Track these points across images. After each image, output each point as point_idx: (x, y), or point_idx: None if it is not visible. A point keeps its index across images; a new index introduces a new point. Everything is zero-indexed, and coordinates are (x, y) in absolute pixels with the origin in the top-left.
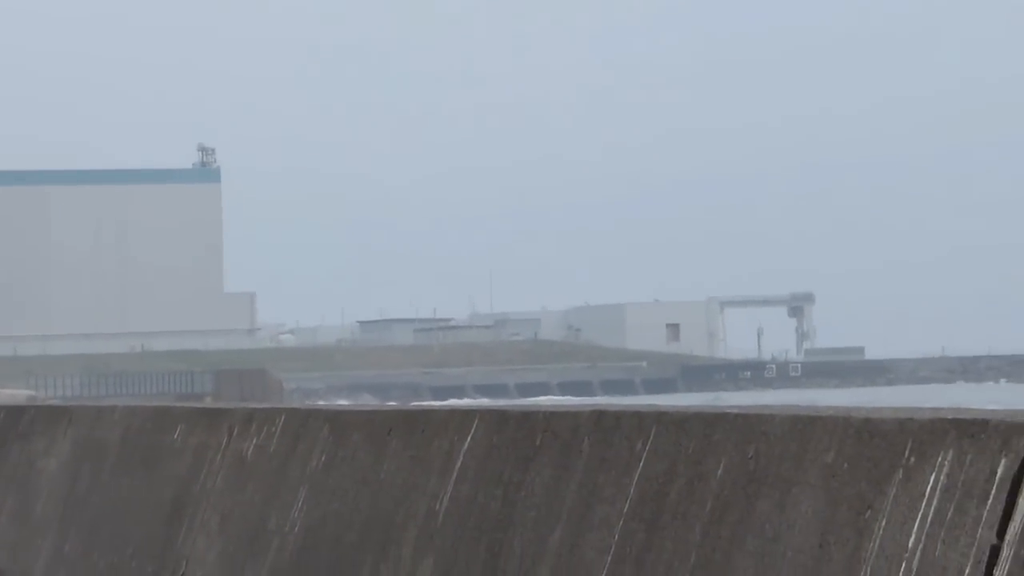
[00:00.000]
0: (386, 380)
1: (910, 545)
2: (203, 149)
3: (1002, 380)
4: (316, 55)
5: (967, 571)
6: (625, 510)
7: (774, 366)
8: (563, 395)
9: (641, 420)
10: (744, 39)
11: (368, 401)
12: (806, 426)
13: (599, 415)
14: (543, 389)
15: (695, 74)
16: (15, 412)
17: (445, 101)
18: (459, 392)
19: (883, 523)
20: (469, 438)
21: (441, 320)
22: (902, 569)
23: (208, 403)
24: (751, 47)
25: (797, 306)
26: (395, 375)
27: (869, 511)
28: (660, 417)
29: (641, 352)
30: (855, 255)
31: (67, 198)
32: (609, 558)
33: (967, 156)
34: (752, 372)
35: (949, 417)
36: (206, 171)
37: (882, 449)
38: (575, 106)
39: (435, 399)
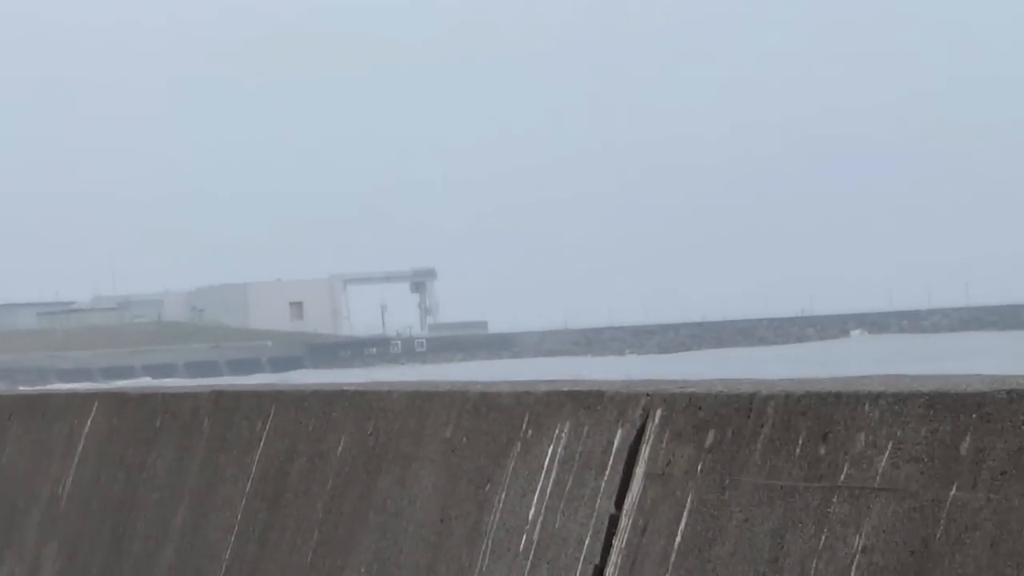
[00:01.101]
0: (11, 365)
1: (530, 517)
2: None
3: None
4: None
5: (587, 541)
6: (247, 489)
7: (399, 342)
8: (190, 376)
9: (260, 400)
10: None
11: None
12: (424, 401)
13: (218, 395)
14: (170, 370)
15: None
16: None
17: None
18: (86, 375)
19: (503, 496)
20: (90, 421)
21: (64, 303)
22: (523, 541)
23: None
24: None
25: (419, 282)
26: (19, 359)
27: (489, 484)
28: (279, 396)
29: (266, 331)
30: (475, 232)
31: None
32: (233, 537)
33: (581, 129)
34: (378, 348)
35: (565, 389)
36: None
37: (500, 423)
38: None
39: (62, 383)
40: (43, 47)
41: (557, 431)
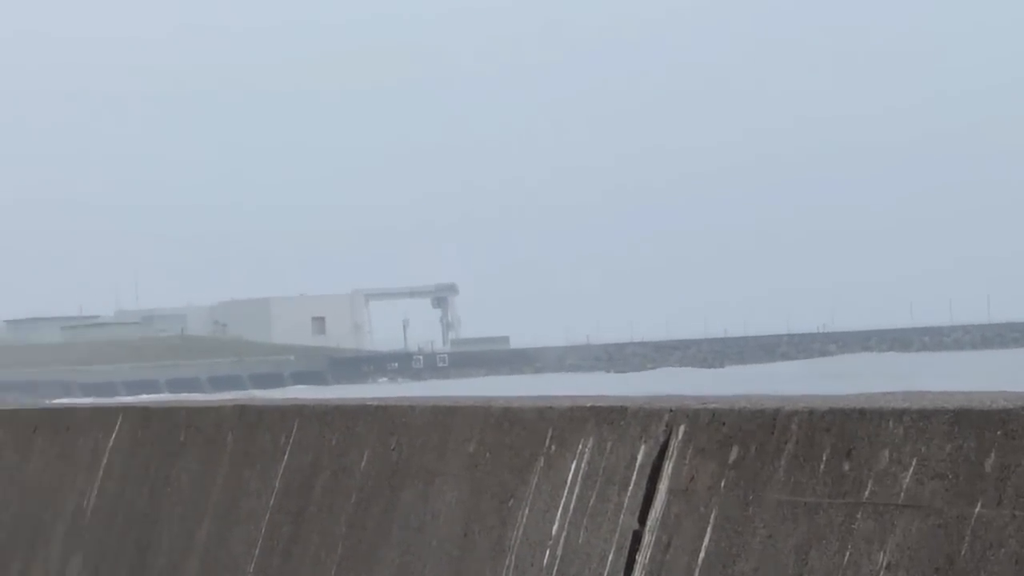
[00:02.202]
0: (35, 378)
1: (553, 532)
2: None
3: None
4: None
5: (610, 557)
6: (271, 503)
7: (421, 357)
8: (214, 390)
9: (283, 414)
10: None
11: (17, 400)
12: (447, 416)
13: (242, 410)
14: (193, 385)
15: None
16: None
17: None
18: (110, 389)
19: (526, 511)
20: (114, 435)
21: (88, 317)
22: (546, 556)
23: None
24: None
25: (441, 297)
26: (44, 373)
27: (512, 499)
28: (302, 410)
29: (288, 346)
30: (499, 247)
31: None
32: (256, 551)
33: (598, 144)
34: (400, 363)
35: (588, 405)
36: None
37: (523, 438)
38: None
39: (86, 397)
40: (67, 59)
41: (580, 446)
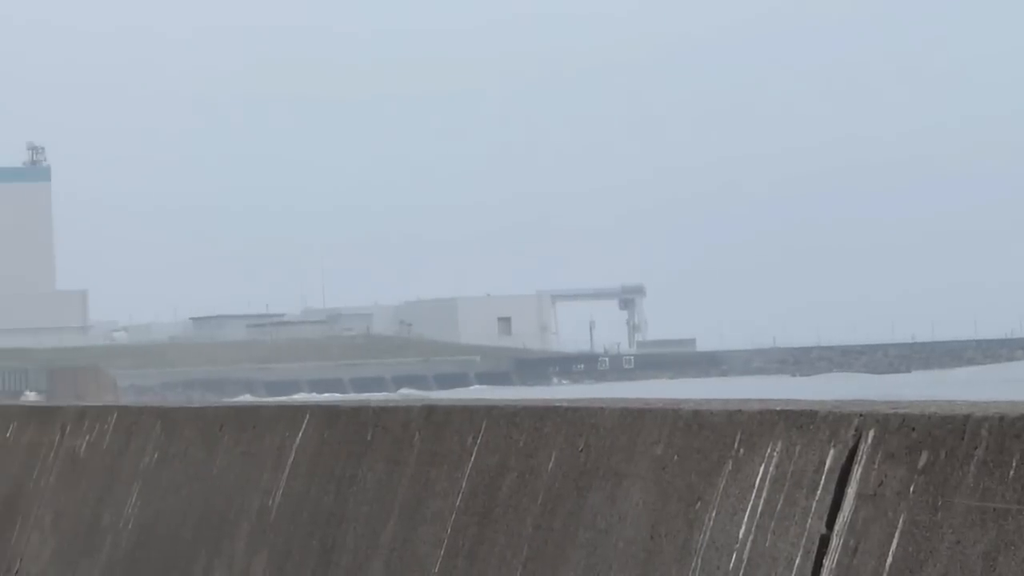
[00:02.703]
0: (220, 376)
1: (740, 536)
2: (33, 148)
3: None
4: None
5: (797, 561)
6: (457, 504)
7: (607, 359)
8: (398, 389)
9: (471, 414)
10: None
11: (203, 398)
12: (635, 419)
13: (429, 410)
14: (378, 384)
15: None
16: None
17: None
18: (294, 387)
19: (713, 514)
20: (300, 433)
21: (274, 316)
22: (732, 560)
23: (39, 401)
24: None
25: (628, 298)
26: (229, 371)
27: (699, 503)
28: (490, 411)
29: (474, 347)
30: (684, 247)
31: None
32: (442, 552)
33: (784, 146)
34: (585, 365)
35: (778, 408)
36: (36, 170)
37: (711, 441)
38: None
39: (269, 395)
40: (244, 62)
41: (768, 450)
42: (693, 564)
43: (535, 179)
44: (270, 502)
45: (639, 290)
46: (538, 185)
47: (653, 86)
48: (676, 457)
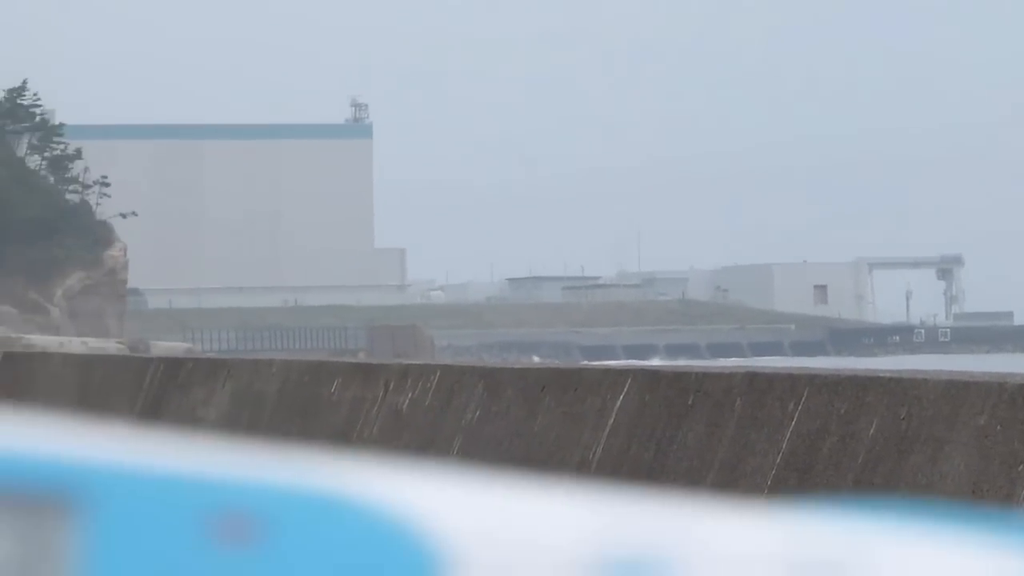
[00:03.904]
0: (535, 339)
1: None
2: (356, 105)
3: None
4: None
5: None
6: (777, 461)
7: (923, 331)
8: (712, 357)
9: (794, 382)
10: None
11: (518, 359)
12: (959, 390)
13: (752, 377)
14: (692, 351)
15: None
16: (174, 364)
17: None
18: (608, 352)
19: None
20: (622, 396)
21: (589, 278)
22: None
23: (362, 359)
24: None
25: (946, 268)
26: (544, 333)
27: (1022, 465)
28: (812, 379)
29: (788, 315)
30: (1005, 216)
31: (221, 152)
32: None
33: None
34: (900, 336)
35: None
36: (359, 127)
37: None
38: (738, 59)
39: (584, 358)
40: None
41: None
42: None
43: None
44: (590, 456)
45: (957, 260)
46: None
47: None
48: (999, 427)
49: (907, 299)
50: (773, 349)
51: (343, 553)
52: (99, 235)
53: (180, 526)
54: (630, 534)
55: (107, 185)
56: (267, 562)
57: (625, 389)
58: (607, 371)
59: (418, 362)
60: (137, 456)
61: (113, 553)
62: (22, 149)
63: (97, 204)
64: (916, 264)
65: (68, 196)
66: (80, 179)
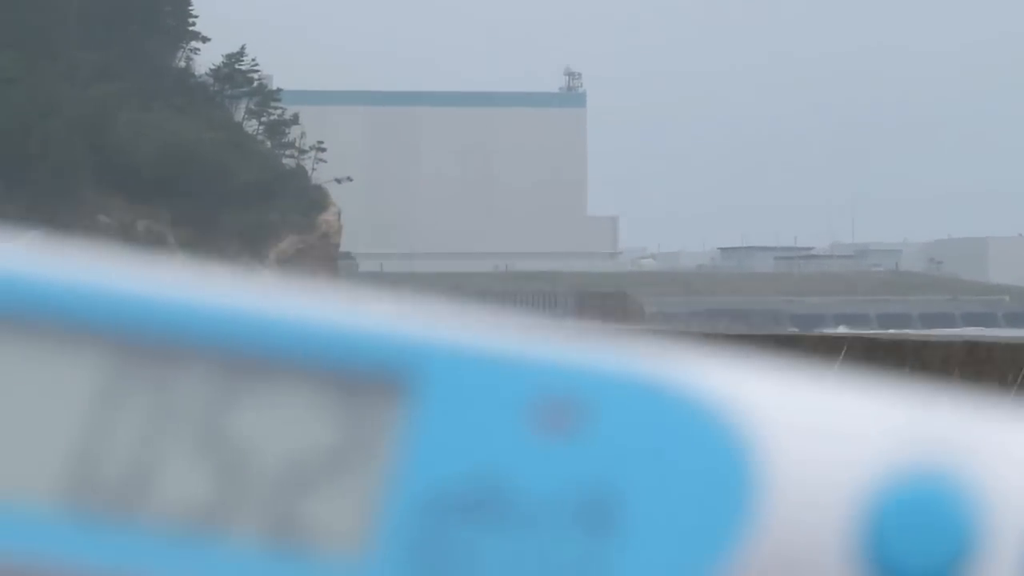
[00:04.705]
0: (746, 307)
1: None
2: (570, 74)
3: None
4: None
5: None
6: None
7: None
8: (924, 327)
9: (1015, 352)
10: None
11: (728, 327)
12: None
13: (971, 347)
14: (903, 321)
15: None
16: None
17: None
18: (819, 321)
19: None
20: (838, 364)
21: (802, 249)
22: None
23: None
24: None
25: None
26: (755, 301)
27: None
28: None
29: (1003, 286)
30: None
31: (435, 119)
32: None
33: None
34: None
35: None
36: (572, 95)
37: None
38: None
39: (795, 327)
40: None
41: None
42: None
43: None
44: None
45: None
46: None
47: None
48: None
49: None
50: (987, 320)
51: (661, 439)
52: (314, 199)
53: (505, 411)
54: (936, 430)
55: (323, 150)
56: (587, 447)
57: (840, 356)
58: (824, 338)
59: (622, 328)
60: (466, 338)
61: (438, 435)
62: (240, 114)
63: (313, 169)
64: None
65: (284, 161)
66: (296, 144)
